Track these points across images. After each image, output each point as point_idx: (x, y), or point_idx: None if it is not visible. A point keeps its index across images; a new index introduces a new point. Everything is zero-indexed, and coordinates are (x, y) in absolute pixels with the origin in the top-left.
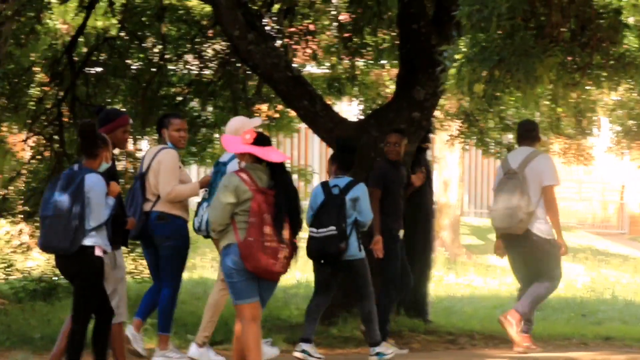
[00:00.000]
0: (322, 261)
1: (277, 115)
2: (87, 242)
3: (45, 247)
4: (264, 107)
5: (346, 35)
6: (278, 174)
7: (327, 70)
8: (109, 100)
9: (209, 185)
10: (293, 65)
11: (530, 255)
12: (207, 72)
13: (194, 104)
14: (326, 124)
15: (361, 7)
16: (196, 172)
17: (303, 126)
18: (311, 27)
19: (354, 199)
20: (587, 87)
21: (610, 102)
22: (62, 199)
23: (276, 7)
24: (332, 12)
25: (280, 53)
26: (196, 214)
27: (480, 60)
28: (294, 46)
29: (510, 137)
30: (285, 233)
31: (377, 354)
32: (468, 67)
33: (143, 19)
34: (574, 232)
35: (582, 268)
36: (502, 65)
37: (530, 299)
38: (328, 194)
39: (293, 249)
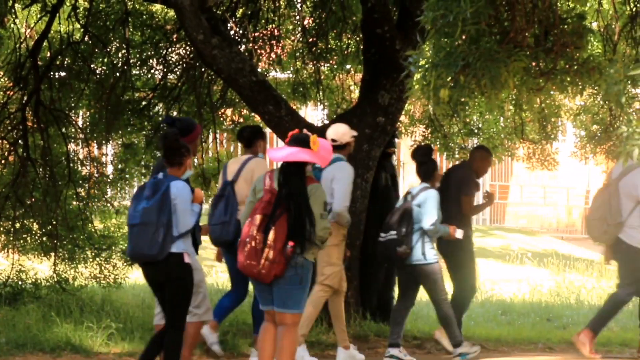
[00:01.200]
0: (386, 264)
1: (241, 119)
2: (175, 248)
3: (133, 255)
4: (228, 111)
5: (311, 39)
6: (285, 174)
7: (292, 75)
8: (73, 104)
9: None
10: (258, 69)
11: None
12: (171, 76)
13: (159, 108)
14: (291, 129)
15: (325, 11)
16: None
17: (268, 131)
18: (276, 31)
19: (419, 204)
20: (552, 92)
21: (575, 107)
22: (149, 207)
23: (240, 11)
24: (296, 16)
25: (245, 58)
26: None
27: (445, 65)
28: (259, 51)
29: (475, 141)
30: (271, 235)
31: (460, 354)
32: (433, 72)
33: (107, 23)
34: (538, 237)
35: (548, 272)
36: (467, 70)
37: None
38: (404, 201)
39: (286, 252)
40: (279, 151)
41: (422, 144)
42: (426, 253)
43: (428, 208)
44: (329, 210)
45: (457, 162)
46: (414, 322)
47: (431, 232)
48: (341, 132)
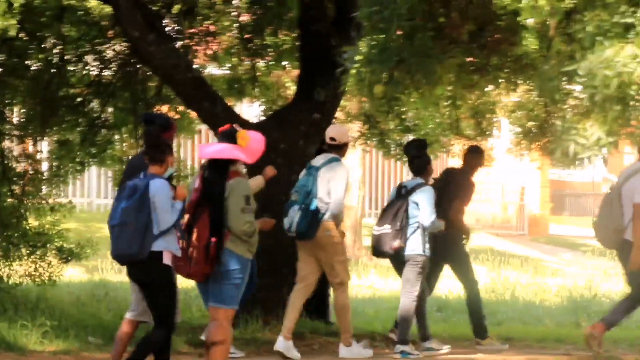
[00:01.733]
0: (382, 258)
1: (177, 116)
2: (156, 247)
3: (115, 255)
4: (164, 108)
5: (247, 36)
6: (208, 171)
7: (228, 72)
8: (8, 101)
9: (299, 187)
10: (194, 66)
11: None
12: (107, 73)
13: (94, 104)
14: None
15: (262, 8)
16: (95, 174)
17: (204, 127)
18: (212, 28)
19: (416, 201)
20: (486, 88)
21: (510, 104)
22: (128, 207)
23: (176, 7)
24: (232, 13)
25: (181, 54)
26: (286, 215)
27: (380, 61)
28: (195, 47)
29: (411, 138)
30: (194, 234)
31: (402, 352)
32: (368, 68)
33: (42, 19)
34: (474, 233)
35: (483, 269)
36: (401, 66)
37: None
38: (398, 195)
39: (208, 249)
40: (207, 147)
41: (416, 137)
42: (417, 247)
43: (426, 205)
44: (325, 210)
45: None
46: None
47: (429, 229)
48: (342, 132)
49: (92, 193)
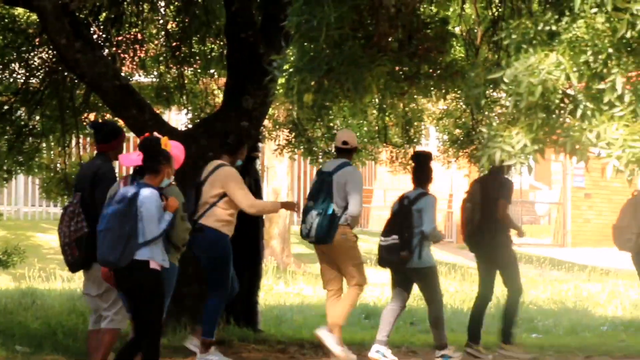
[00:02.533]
0: (389, 268)
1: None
2: (140, 256)
3: (99, 260)
4: (91, 116)
5: (174, 44)
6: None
7: (155, 79)
8: None
9: (314, 193)
10: (121, 74)
11: None
12: (33, 80)
13: (21, 112)
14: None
15: (189, 16)
16: (23, 182)
17: (131, 135)
18: (139, 35)
19: (419, 209)
20: (415, 97)
21: (437, 111)
22: (114, 212)
23: (104, 15)
24: (160, 20)
25: (108, 62)
26: (303, 222)
27: (309, 69)
28: (122, 55)
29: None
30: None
31: (442, 356)
32: (297, 76)
33: None
34: None
35: None
36: (330, 74)
37: None
38: (401, 205)
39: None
40: (130, 156)
41: (421, 149)
42: (423, 256)
43: (429, 213)
44: (341, 214)
45: (484, 172)
46: (277, 326)
47: (431, 237)
48: (353, 136)
49: (19, 201)
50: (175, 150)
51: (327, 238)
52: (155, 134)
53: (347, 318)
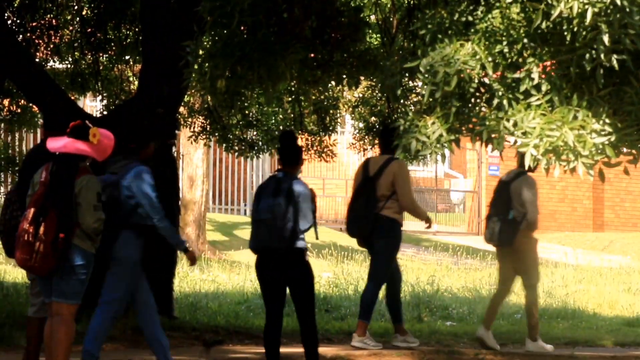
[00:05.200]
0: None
1: (19, 110)
2: (299, 244)
3: (259, 248)
4: (6, 102)
5: (89, 30)
6: (57, 166)
7: (70, 65)
8: None
9: (495, 201)
10: (35, 60)
11: None
12: None
13: None
14: (69, 120)
15: (104, 2)
16: None
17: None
18: (54, 21)
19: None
20: (329, 84)
21: (353, 99)
22: (278, 203)
23: (18, 1)
24: (74, 6)
25: (22, 48)
26: (487, 227)
27: (222, 55)
28: (37, 41)
29: (254, 134)
30: (42, 229)
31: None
32: (210, 62)
33: None
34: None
35: (326, 264)
36: (244, 61)
37: None
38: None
39: (56, 244)
40: (56, 141)
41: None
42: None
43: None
44: (521, 219)
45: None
46: (192, 313)
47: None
48: None
49: None
50: (103, 144)
51: (508, 241)
52: (87, 122)
53: (537, 320)
